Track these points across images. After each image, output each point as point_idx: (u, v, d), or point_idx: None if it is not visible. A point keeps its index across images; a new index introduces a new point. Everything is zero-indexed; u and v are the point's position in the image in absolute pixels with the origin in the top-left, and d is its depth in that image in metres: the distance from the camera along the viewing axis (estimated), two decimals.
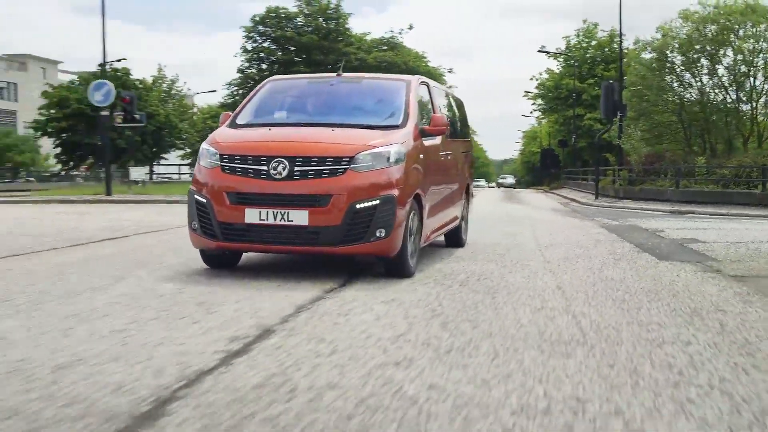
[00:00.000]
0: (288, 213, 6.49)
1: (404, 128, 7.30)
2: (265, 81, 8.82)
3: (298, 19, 56.09)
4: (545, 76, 61.27)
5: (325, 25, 55.53)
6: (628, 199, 27.80)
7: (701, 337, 4.65)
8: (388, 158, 6.75)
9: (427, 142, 7.78)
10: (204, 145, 7.23)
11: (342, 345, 4.26)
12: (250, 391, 3.35)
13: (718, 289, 6.60)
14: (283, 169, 6.56)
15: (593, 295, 6.21)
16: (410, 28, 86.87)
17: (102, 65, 33.95)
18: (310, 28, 55.61)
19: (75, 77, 62.01)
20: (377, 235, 6.49)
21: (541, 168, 71.31)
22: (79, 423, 2.91)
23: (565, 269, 7.86)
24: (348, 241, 6.48)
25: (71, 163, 58.28)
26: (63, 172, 60.15)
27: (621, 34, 34.53)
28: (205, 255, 7.37)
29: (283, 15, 56.09)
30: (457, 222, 9.71)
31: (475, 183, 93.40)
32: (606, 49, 56.31)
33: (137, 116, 27.91)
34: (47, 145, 61.39)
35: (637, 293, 6.32)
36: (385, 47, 58.50)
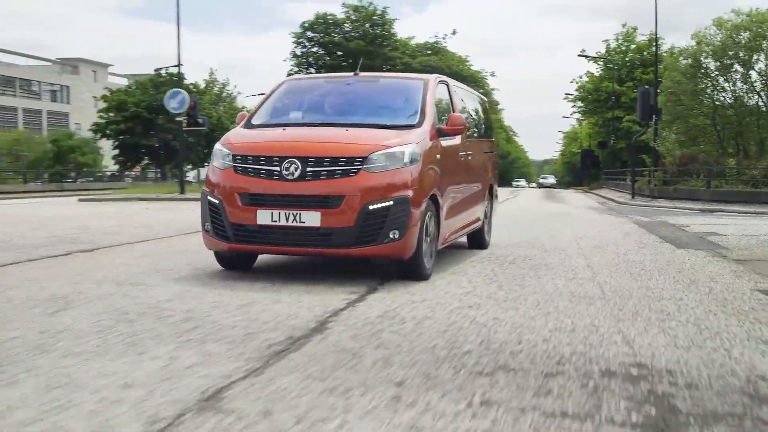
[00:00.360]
0: (300, 214, 6.39)
1: (420, 128, 7.16)
2: (282, 80, 8.70)
3: (346, 25, 58.16)
4: (585, 79, 62.50)
5: (371, 31, 57.49)
6: (662, 198, 29.14)
7: (691, 296, 6.24)
8: (403, 158, 6.61)
9: (445, 142, 7.63)
10: (217, 146, 7.17)
11: (428, 296, 5.97)
12: (375, 318, 5.03)
13: (718, 267, 8.15)
14: (296, 169, 6.45)
15: (615, 271, 7.79)
16: (453, 33, 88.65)
17: (177, 74, 36.06)
18: (357, 34, 57.60)
19: (125, 80, 64.51)
20: (391, 236, 6.37)
21: (582, 168, 72.35)
22: (276, 332, 4.60)
23: (595, 254, 9.44)
24: (361, 242, 6.37)
25: (128, 164, 60.89)
26: (119, 173, 62.82)
27: (657, 40, 35.85)
28: (220, 256, 7.32)
29: (331, 21, 58.15)
30: (479, 223, 9.55)
31: (515, 183, 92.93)
32: (645, 53, 57.38)
33: (200, 120, 29.92)
34: (106, 147, 64.09)
35: (651, 270, 7.88)
36: (429, 51, 60.21)
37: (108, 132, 58.08)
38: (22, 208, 21.07)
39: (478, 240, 9.82)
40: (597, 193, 45.79)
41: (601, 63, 60.32)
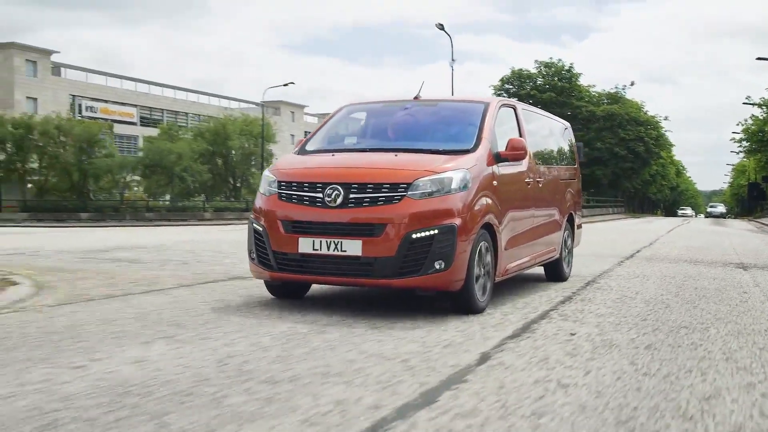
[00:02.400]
0: (341, 243, 5.88)
1: (474, 152, 6.46)
2: (342, 105, 8.07)
3: (538, 79, 64.85)
4: (750, 122, 65.72)
5: (560, 84, 63.96)
6: None
7: None
8: (451, 184, 6.00)
9: (505, 167, 6.90)
10: (265, 172, 6.71)
11: (616, 285, 12.62)
12: (612, 301, 11.87)
13: None
14: (338, 196, 5.95)
15: (755, 258, 13.96)
16: (632, 84, 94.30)
17: None
18: (547, 86, 64.22)
19: (316, 119, 71.42)
20: (435, 267, 5.77)
21: (748, 200, 74.91)
22: (543, 296, 11.54)
23: (742, 252, 15.56)
24: (404, 273, 5.80)
25: None
26: None
27: None
28: (269, 285, 6.78)
29: (525, 75, 65.13)
30: (554, 254, 8.64)
31: (680, 211, 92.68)
32: None
33: None
34: None
35: None
36: (606, 100, 65.91)
37: None
38: None
39: (555, 272, 8.98)
40: (759, 221, 49.83)
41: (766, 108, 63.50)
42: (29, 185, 46.05)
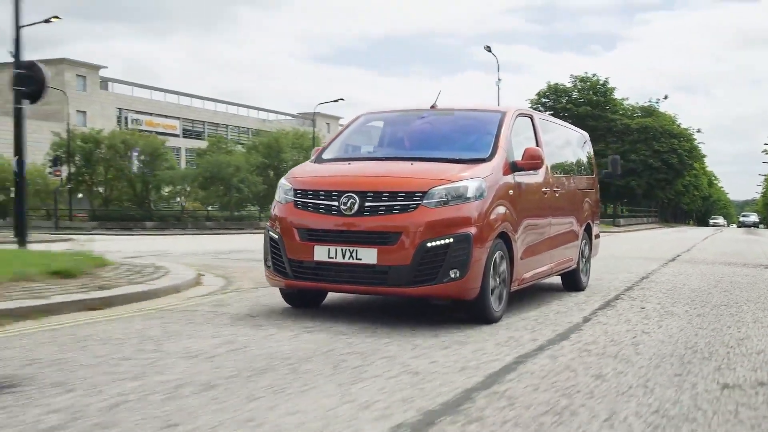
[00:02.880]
0: (356, 251, 5.83)
1: (490, 162, 6.39)
2: (359, 114, 8.01)
3: (573, 93, 66.56)
4: None
5: (595, 98, 65.61)
6: None
7: None
8: (466, 193, 5.93)
9: (522, 177, 6.83)
10: (281, 181, 6.66)
11: (666, 280, 14.54)
12: (672, 286, 13.76)
13: None
14: (353, 204, 5.89)
15: None
16: (665, 98, 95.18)
17: None
18: (583, 100, 65.89)
19: None
20: (451, 275, 5.70)
21: None
22: (617, 281, 13.42)
23: None
24: (419, 281, 5.73)
25: None
26: None
27: None
28: (284, 293, 6.79)
29: (561, 90, 66.87)
30: (571, 264, 8.53)
31: (712, 220, 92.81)
32: None
33: None
34: None
35: None
36: (638, 113, 67.44)
37: None
38: None
39: (572, 282, 8.84)
40: None
41: None
42: (95, 196, 48.75)
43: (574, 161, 9.16)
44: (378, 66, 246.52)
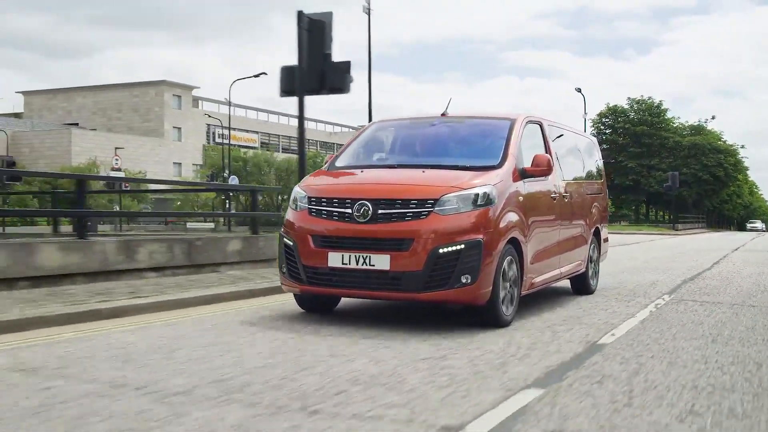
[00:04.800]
0: (370, 257, 5.74)
1: (500, 168, 6.27)
2: (371, 122, 7.84)
3: (630, 113, 70.11)
4: None
5: (650, 119, 68.82)
6: None
7: None
8: (476, 200, 5.83)
9: (531, 183, 6.66)
10: (296, 188, 6.51)
11: (730, 266, 15.31)
12: (718, 276, 14.84)
13: None
14: (366, 211, 5.79)
15: None
16: (713, 118, 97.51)
17: None
18: (638, 120, 68.97)
19: None
20: (462, 281, 5.62)
21: None
22: (660, 284, 14.25)
23: None
24: (431, 287, 5.64)
25: None
26: None
27: None
28: (299, 298, 6.64)
29: (620, 111, 71.07)
30: (581, 268, 8.31)
31: (749, 225, 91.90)
32: None
33: None
34: None
35: None
36: (687, 132, 72.83)
37: None
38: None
39: (581, 285, 8.62)
40: None
41: None
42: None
43: (583, 166, 9.00)
44: (412, 72, 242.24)
